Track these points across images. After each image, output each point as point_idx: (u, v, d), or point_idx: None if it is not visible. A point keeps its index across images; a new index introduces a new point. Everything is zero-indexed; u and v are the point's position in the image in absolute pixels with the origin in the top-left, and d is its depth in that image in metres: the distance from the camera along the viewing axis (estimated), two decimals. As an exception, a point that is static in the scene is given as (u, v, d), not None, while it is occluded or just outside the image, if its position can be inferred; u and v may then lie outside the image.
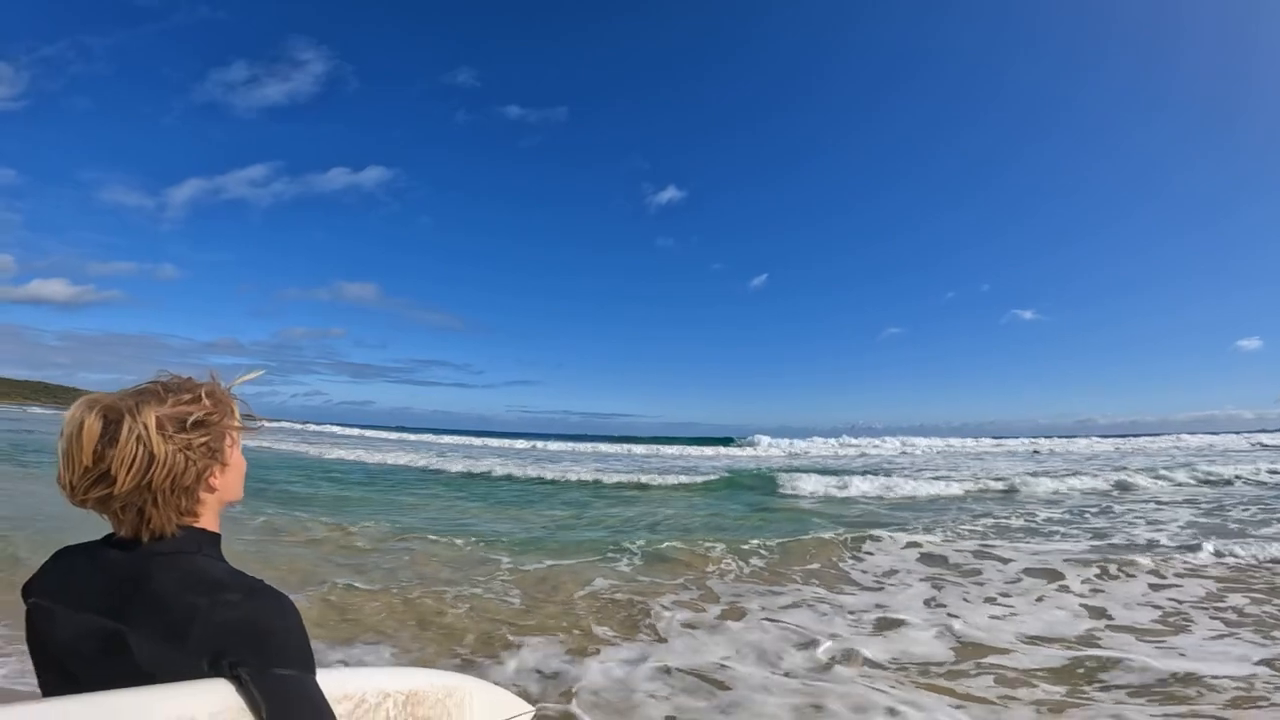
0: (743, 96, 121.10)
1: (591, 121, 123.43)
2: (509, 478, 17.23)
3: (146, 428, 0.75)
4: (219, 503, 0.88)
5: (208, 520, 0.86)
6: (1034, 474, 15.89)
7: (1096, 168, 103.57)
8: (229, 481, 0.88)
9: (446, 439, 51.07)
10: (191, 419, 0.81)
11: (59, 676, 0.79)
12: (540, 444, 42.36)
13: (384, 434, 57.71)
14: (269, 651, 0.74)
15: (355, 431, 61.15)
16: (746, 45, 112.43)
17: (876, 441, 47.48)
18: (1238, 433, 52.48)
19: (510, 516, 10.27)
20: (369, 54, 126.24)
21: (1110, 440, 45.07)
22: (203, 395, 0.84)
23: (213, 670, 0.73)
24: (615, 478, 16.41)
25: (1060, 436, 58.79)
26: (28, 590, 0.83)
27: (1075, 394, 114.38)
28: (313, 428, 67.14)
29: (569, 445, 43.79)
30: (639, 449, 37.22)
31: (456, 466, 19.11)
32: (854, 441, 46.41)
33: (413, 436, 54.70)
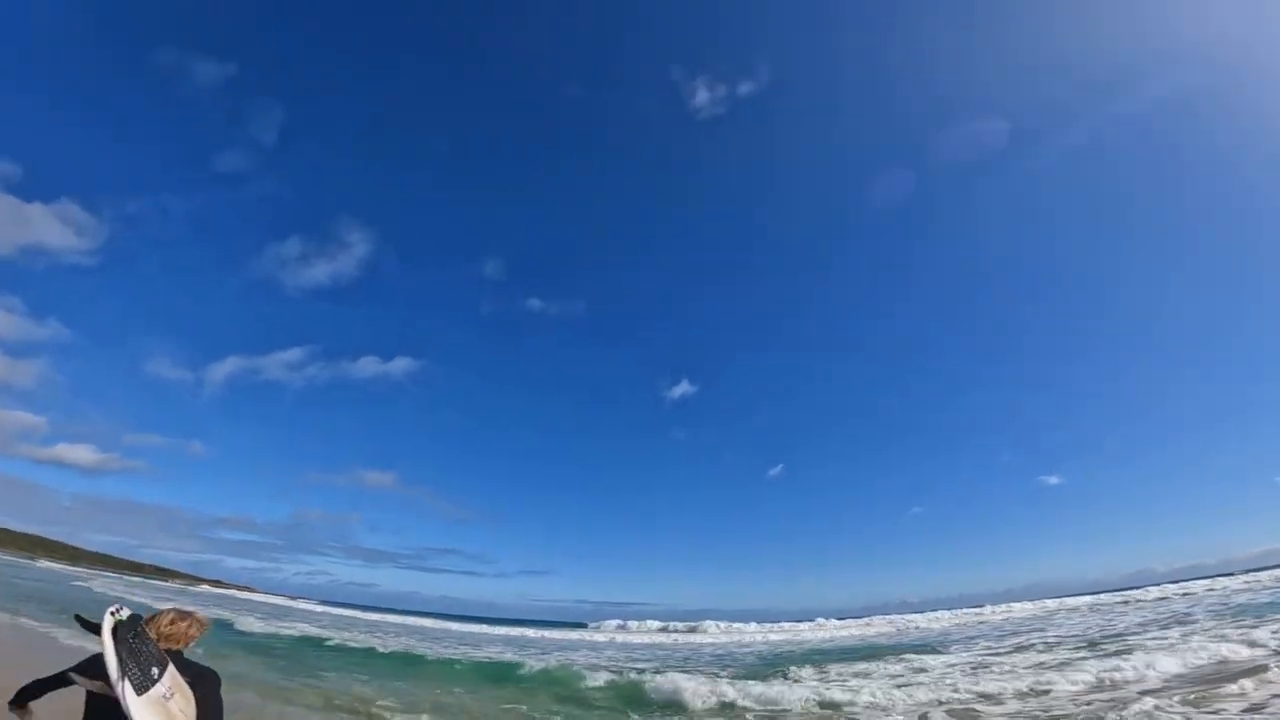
0: (755, 298, 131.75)
1: (608, 315, 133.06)
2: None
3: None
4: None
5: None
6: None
7: (1099, 331, 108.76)
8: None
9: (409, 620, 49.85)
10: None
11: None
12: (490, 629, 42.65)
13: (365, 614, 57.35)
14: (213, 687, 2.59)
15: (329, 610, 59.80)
16: (761, 247, 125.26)
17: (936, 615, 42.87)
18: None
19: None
20: (408, 237, 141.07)
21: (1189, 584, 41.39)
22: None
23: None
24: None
25: (1126, 589, 53.94)
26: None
27: (1125, 547, 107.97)
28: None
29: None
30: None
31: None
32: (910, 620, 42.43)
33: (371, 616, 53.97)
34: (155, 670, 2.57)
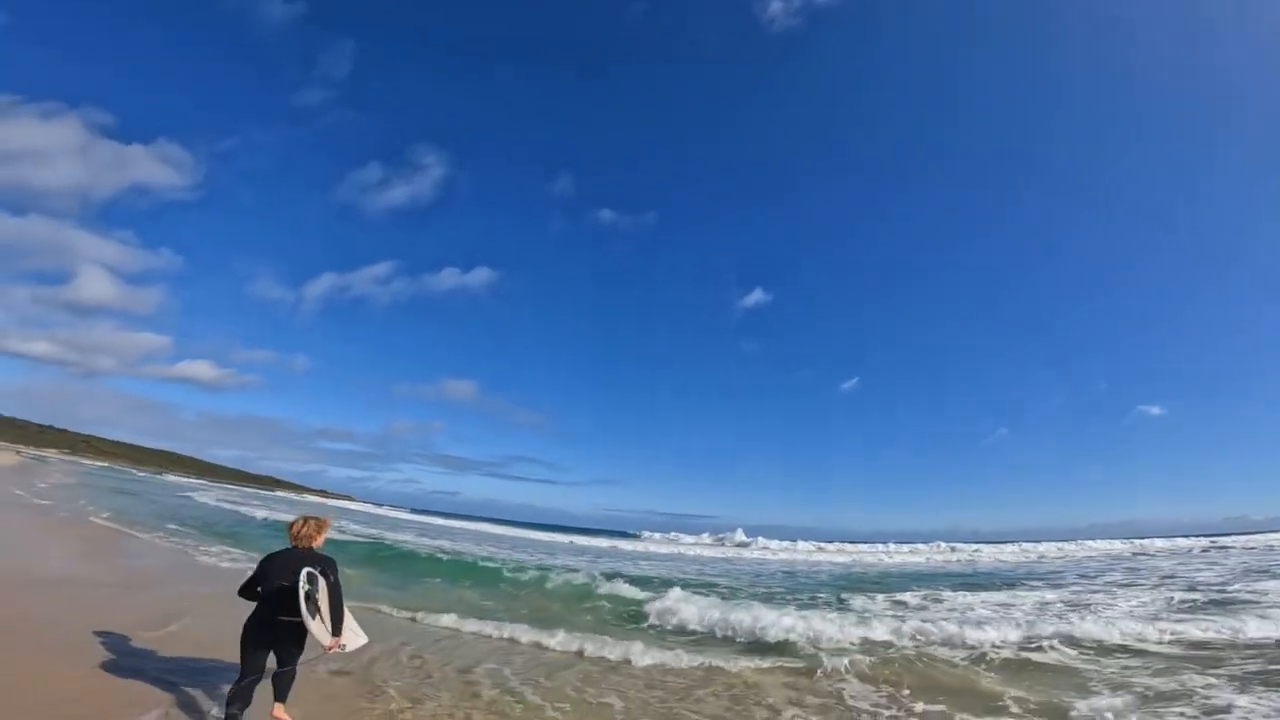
0: (836, 203, 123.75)
1: (679, 226, 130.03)
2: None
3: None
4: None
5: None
6: None
7: (1227, 261, 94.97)
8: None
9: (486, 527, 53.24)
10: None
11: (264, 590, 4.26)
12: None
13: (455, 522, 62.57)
14: (332, 569, 4.36)
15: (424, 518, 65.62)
16: (842, 149, 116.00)
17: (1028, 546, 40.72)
18: None
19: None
20: (481, 159, 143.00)
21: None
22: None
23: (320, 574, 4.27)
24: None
25: (1218, 534, 50.28)
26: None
27: (1222, 491, 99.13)
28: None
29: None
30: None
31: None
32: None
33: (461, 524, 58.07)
34: (303, 570, 4.13)
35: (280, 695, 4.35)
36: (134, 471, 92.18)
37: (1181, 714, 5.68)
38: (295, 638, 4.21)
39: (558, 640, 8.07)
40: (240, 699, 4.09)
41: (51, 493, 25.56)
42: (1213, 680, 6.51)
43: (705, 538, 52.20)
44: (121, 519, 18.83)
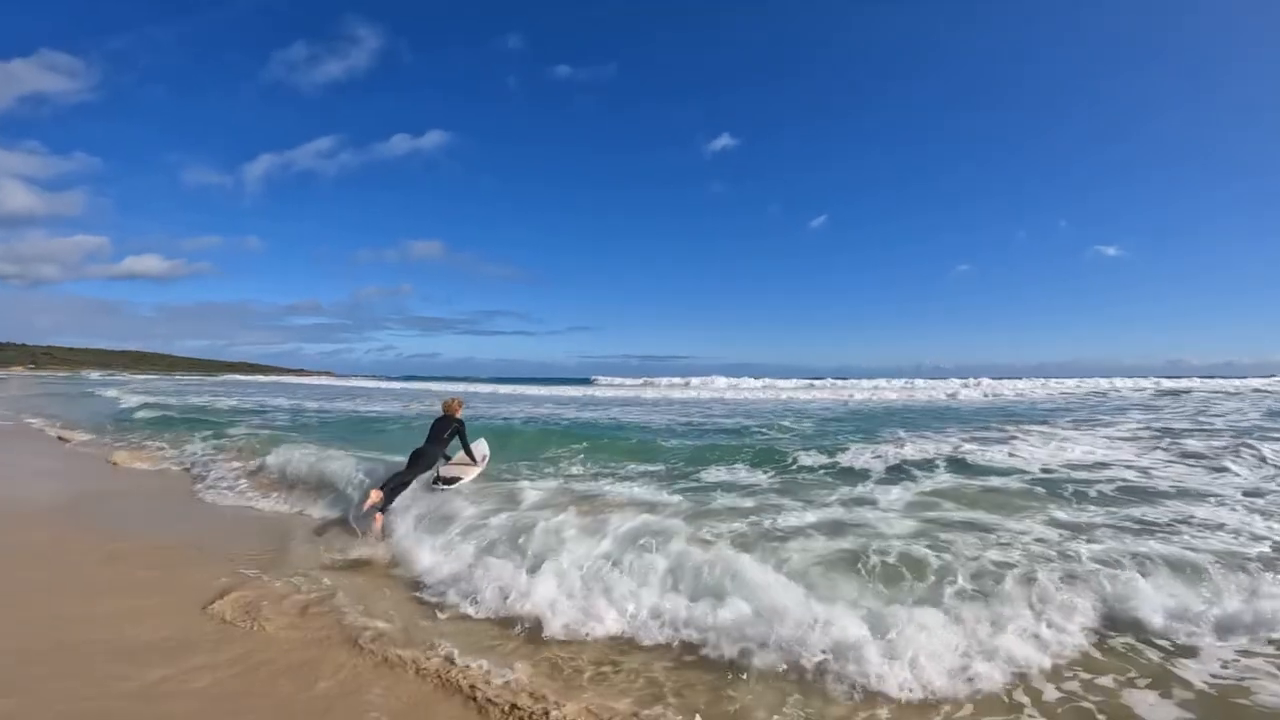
0: (796, 36, 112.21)
1: (641, 75, 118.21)
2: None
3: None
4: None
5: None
6: None
7: (1189, 95, 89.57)
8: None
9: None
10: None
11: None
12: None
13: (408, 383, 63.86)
14: (461, 424, 7.75)
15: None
16: None
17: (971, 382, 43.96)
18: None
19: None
20: (419, 26, 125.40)
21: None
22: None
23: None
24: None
25: (1157, 376, 52.70)
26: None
27: (1164, 332, 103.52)
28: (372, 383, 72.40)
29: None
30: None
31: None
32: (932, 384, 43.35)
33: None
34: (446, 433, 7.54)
35: (393, 492, 6.72)
36: (89, 375, 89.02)
37: None
38: (426, 464, 7.21)
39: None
40: (393, 484, 6.77)
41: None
42: None
43: (661, 381, 55.23)
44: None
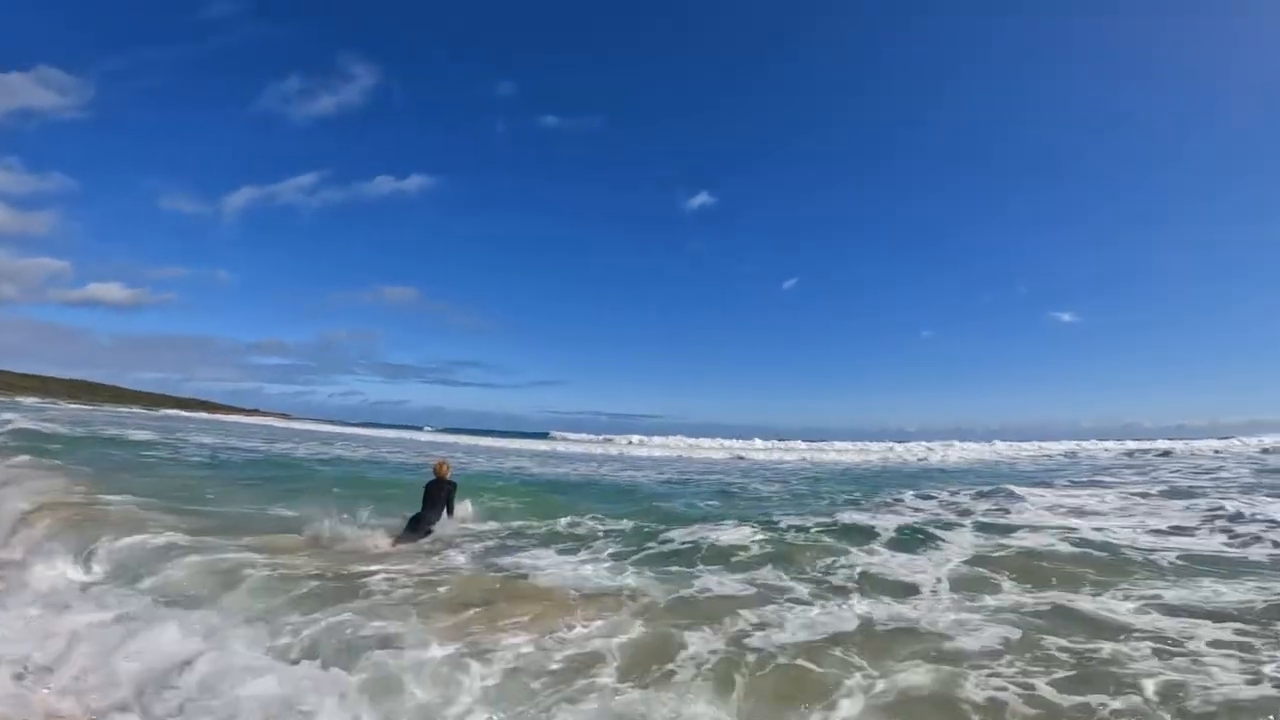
0: (777, 108, 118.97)
1: (626, 129, 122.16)
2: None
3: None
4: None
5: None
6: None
7: (1139, 172, 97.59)
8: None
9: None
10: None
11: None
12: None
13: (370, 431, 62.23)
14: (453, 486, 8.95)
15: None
16: (780, 59, 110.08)
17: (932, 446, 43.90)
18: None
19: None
20: (413, 68, 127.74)
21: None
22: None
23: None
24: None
25: (1112, 440, 54.09)
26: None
27: (1118, 397, 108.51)
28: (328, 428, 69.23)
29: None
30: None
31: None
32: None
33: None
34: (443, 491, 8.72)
35: (412, 531, 8.10)
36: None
37: None
38: (426, 527, 8.21)
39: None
40: (412, 529, 8.12)
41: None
42: None
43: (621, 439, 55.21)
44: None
